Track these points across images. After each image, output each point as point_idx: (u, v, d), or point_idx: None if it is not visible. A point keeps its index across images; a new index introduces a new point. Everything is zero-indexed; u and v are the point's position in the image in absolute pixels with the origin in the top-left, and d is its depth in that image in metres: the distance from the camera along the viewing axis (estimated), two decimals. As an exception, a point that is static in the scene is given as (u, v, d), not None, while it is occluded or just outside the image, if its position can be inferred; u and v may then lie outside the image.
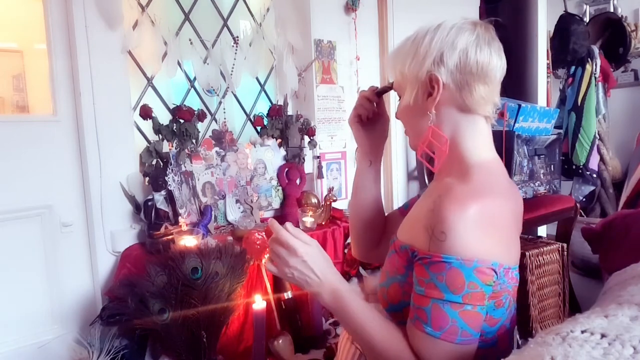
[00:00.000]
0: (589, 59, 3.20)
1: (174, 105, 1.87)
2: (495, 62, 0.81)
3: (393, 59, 0.87)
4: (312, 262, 0.79)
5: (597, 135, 3.22)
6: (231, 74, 2.09)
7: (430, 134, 0.83)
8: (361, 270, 2.01)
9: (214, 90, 2.13)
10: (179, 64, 1.97)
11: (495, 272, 0.73)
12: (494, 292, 0.75)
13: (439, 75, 0.80)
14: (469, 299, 0.70)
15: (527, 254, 1.95)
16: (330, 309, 0.81)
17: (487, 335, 0.79)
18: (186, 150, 1.86)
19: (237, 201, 2.03)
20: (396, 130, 2.59)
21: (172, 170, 1.80)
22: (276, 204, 2.20)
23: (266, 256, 1.71)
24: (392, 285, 0.83)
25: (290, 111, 2.36)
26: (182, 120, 1.83)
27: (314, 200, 2.18)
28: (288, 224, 0.83)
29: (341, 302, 0.79)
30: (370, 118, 1.03)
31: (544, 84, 3.30)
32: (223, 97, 2.18)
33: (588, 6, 3.65)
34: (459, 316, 0.71)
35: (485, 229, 0.72)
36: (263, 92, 2.41)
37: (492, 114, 0.86)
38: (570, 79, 3.29)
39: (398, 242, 0.85)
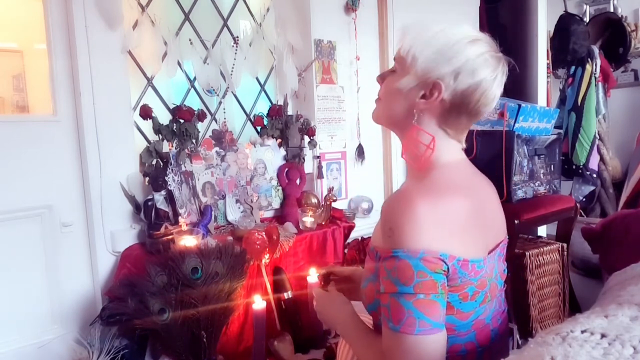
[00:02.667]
0: (589, 59, 3.19)
1: (174, 105, 1.87)
2: (491, 105, 0.84)
3: (416, 37, 0.82)
4: (321, 304, 1.05)
5: (597, 135, 3.22)
6: (231, 74, 2.09)
7: (415, 134, 0.85)
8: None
9: (214, 90, 2.12)
10: (179, 64, 1.97)
11: (445, 262, 0.74)
12: (454, 286, 0.77)
13: (444, 88, 0.80)
14: (420, 288, 0.72)
15: (527, 254, 1.96)
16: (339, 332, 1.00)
17: (460, 330, 0.80)
18: (186, 150, 1.86)
19: (237, 201, 2.03)
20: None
21: (172, 170, 1.80)
22: (276, 204, 2.20)
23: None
24: (368, 285, 0.87)
25: (290, 111, 2.36)
26: (182, 120, 1.83)
27: (314, 200, 2.18)
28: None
29: (339, 329, 0.98)
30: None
31: (544, 84, 3.30)
32: (223, 97, 2.18)
33: (588, 6, 3.64)
34: (414, 306, 0.72)
35: (432, 223, 0.74)
36: (263, 92, 2.41)
37: (463, 138, 0.90)
38: (570, 79, 3.29)
39: (370, 245, 0.90)
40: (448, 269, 0.74)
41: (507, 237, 0.95)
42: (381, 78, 0.92)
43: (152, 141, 1.84)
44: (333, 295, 1.04)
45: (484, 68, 0.79)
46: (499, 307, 0.90)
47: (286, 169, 2.19)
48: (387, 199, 0.82)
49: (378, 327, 0.87)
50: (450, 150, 0.86)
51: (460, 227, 0.78)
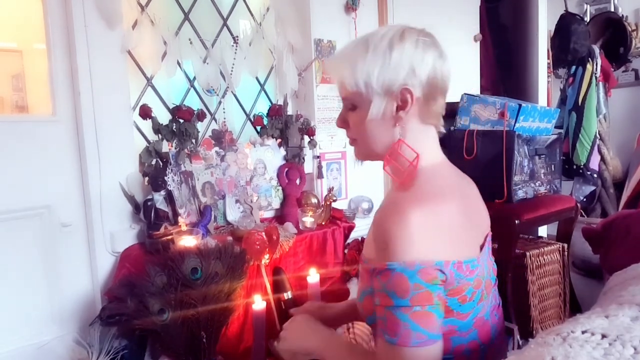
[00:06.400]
0: (589, 59, 3.19)
1: (174, 105, 1.87)
2: (450, 74, 0.85)
3: (352, 67, 0.82)
4: (291, 333, 1.00)
5: (597, 135, 3.22)
6: (231, 74, 2.09)
7: (398, 147, 0.84)
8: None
9: (213, 90, 2.12)
10: (178, 63, 1.97)
11: (442, 271, 0.74)
12: (452, 289, 0.77)
13: (413, 89, 0.80)
14: (416, 300, 0.72)
15: (527, 254, 1.95)
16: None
17: (462, 330, 0.80)
18: (186, 150, 1.86)
19: (237, 201, 2.03)
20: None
21: (171, 170, 1.79)
22: (276, 204, 2.20)
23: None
24: (365, 298, 0.86)
25: (290, 111, 2.36)
26: (181, 120, 1.83)
27: (314, 200, 2.18)
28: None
29: (319, 351, 0.93)
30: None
31: (545, 83, 3.31)
32: (223, 96, 2.18)
33: (589, 6, 3.64)
34: (410, 318, 0.72)
35: (426, 232, 0.74)
36: (263, 92, 2.41)
37: (440, 123, 0.90)
38: (570, 79, 3.29)
39: (362, 257, 0.89)
40: (446, 277, 0.75)
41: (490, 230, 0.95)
42: (342, 121, 0.90)
43: (151, 141, 1.84)
44: (305, 319, 1.01)
45: (427, 51, 0.81)
46: (494, 302, 0.91)
47: (286, 169, 2.19)
48: (378, 211, 0.81)
49: None
50: (430, 149, 0.87)
51: (453, 231, 0.78)
